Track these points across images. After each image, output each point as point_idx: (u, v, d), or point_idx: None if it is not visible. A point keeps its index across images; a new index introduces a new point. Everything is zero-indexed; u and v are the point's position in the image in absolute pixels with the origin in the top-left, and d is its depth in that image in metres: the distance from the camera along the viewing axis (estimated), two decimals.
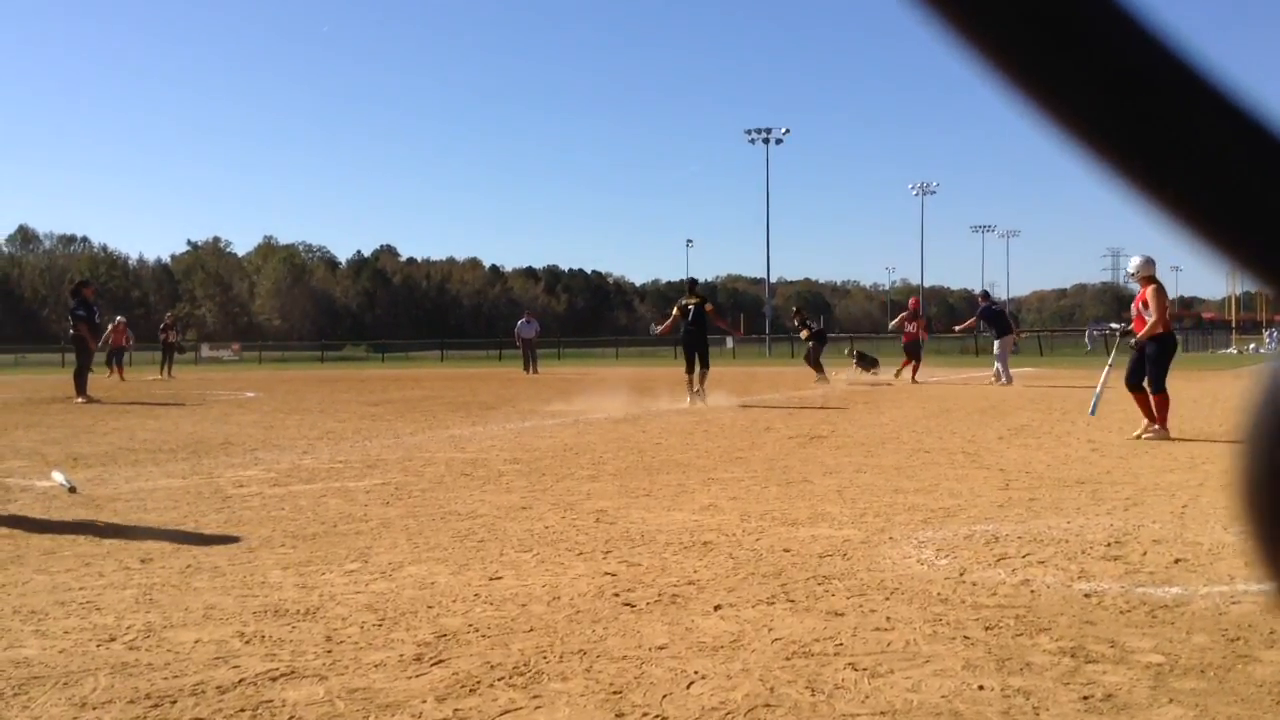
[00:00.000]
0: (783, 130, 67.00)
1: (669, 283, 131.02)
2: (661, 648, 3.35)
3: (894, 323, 23.11)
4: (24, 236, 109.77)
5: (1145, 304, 9.59)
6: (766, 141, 66.65)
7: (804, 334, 22.10)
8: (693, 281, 16.74)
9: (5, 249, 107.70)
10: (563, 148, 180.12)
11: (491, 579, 4.32)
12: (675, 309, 15.75)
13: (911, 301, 23.44)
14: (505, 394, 18.80)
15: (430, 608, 3.88)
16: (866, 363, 23.26)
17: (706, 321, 15.46)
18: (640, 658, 3.25)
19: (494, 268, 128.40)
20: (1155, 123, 0.20)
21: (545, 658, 3.26)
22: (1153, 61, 0.21)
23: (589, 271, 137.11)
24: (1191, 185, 0.20)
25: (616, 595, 4.02)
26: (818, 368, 21.38)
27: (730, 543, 5.02)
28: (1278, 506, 0.19)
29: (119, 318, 29.21)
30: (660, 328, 16.16)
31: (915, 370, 21.23)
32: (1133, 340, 9.77)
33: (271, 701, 2.91)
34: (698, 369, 15.20)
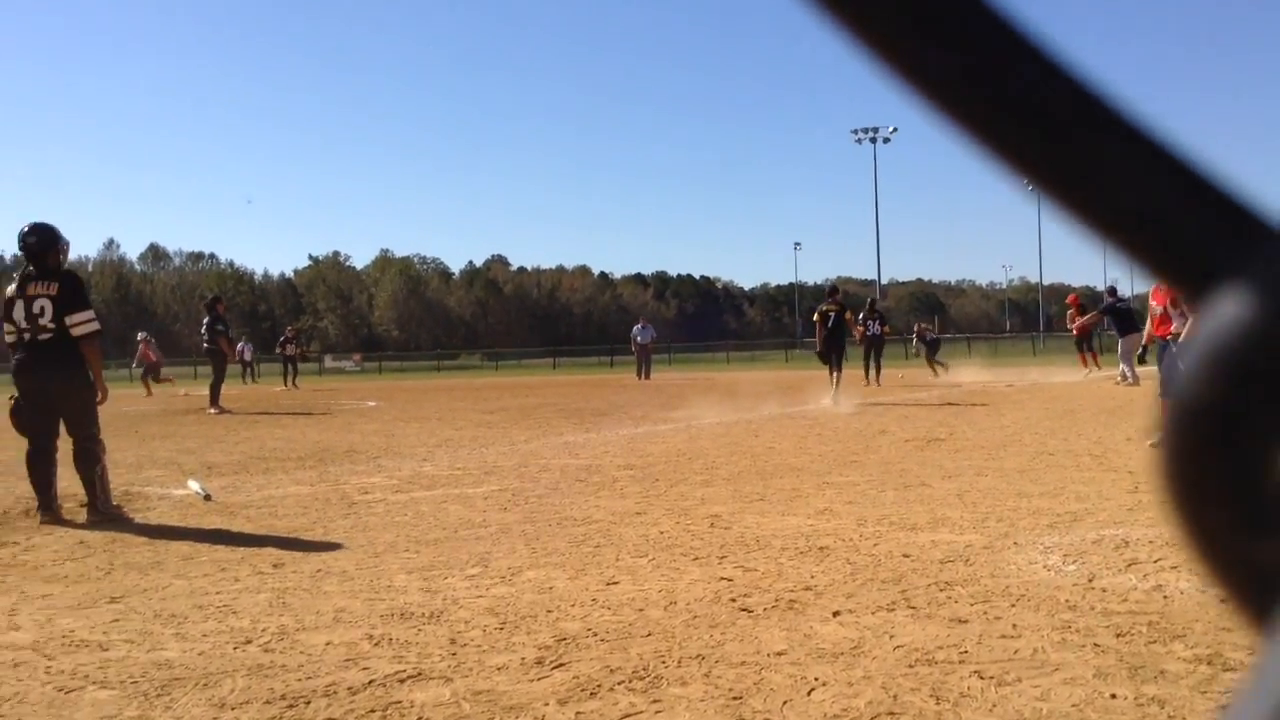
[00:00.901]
0: (890, 129, 66.19)
1: (778, 286, 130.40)
2: (780, 654, 3.34)
3: (1085, 320, 21.77)
4: (155, 254, 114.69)
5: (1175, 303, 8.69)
6: (874, 141, 65.92)
7: (858, 332, 20.57)
8: (833, 288, 17.11)
9: (138, 266, 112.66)
10: (670, 152, 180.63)
11: (608, 584, 4.36)
12: (816, 315, 16.28)
13: (1070, 299, 22.47)
14: (618, 400, 18.93)
15: (549, 612, 3.93)
16: (932, 349, 22.66)
17: (845, 327, 16.00)
18: (759, 663, 3.25)
19: (603, 275, 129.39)
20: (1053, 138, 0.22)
21: (664, 662, 3.28)
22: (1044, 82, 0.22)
23: (697, 276, 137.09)
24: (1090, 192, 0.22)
25: (733, 600, 4.02)
26: (939, 366, 21.16)
27: (847, 548, 4.98)
28: (1196, 492, 0.20)
29: (142, 334, 29.82)
30: (818, 342, 16.34)
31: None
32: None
33: (400, 702, 2.99)
34: (835, 372, 15.60)
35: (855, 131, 67.24)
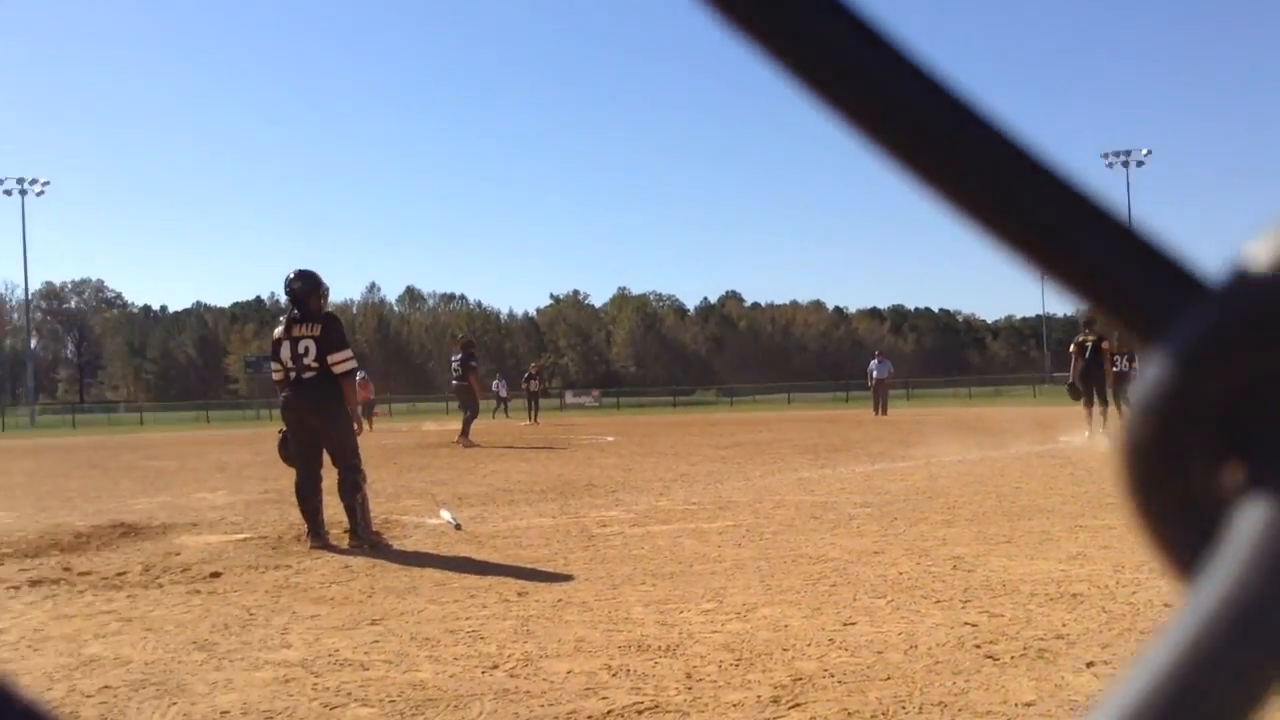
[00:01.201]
0: (1144, 151, 62.71)
1: (1023, 318, 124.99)
2: (1029, 704, 3.19)
3: None
4: (411, 296, 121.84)
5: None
6: (1125, 165, 62.57)
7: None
8: (1090, 319, 16.41)
9: (396, 308, 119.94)
10: (905, 185, 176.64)
11: (845, 624, 4.29)
12: (1073, 346, 15.71)
13: None
14: (854, 436, 18.63)
15: (785, 650, 3.91)
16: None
17: (1102, 358, 15.34)
18: (1006, 714, 3.12)
19: (837, 309, 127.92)
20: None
21: (904, 707, 3.20)
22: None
23: (936, 309, 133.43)
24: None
25: (978, 646, 3.87)
26: None
27: (1103, 595, 4.70)
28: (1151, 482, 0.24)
29: (360, 372, 30.43)
30: (1073, 374, 15.79)
31: None
32: None
33: None
34: (1096, 405, 14.96)
35: (1106, 155, 64.11)
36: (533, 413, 31.53)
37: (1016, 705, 3.19)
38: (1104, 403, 15.12)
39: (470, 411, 18.96)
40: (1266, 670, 0.21)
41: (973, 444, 14.54)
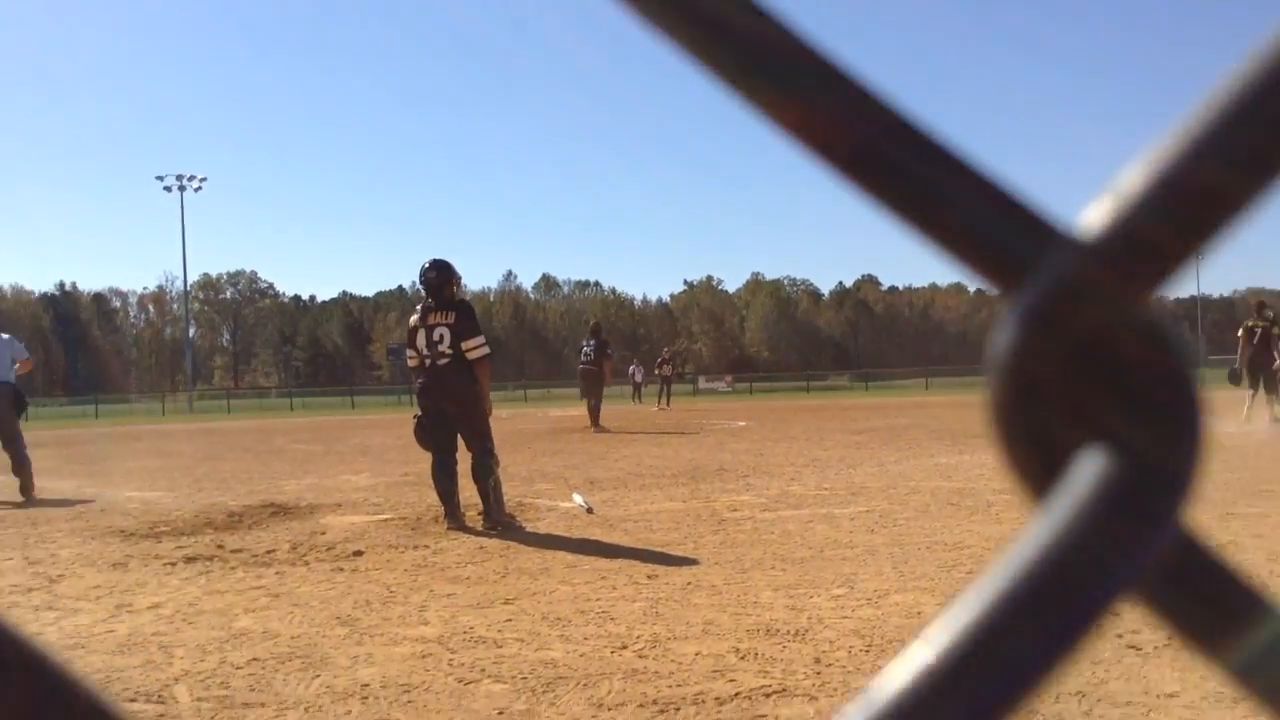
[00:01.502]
0: None
1: (1177, 300, 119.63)
2: (1172, 695, 3.07)
3: None
4: (547, 284, 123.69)
5: None
6: None
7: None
8: (1261, 304, 15.93)
9: (532, 295, 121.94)
10: (1056, 147, 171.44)
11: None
12: (1242, 331, 15.23)
13: None
14: None
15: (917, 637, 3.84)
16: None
17: (1271, 345, 14.81)
18: (1147, 704, 3.01)
19: (979, 291, 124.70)
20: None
21: (1040, 697, 3.11)
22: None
23: None
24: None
25: (1119, 636, 3.74)
26: None
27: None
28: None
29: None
30: (1239, 359, 15.27)
31: None
32: None
33: (765, 716, 3.03)
34: (1260, 391, 14.59)
35: None
36: (665, 398, 31.64)
37: (1158, 696, 3.07)
38: (1269, 390, 14.51)
39: (597, 397, 19.18)
40: (1075, 596, 0.23)
41: None
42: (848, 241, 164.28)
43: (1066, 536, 0.23)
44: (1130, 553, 0.23)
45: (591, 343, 19.43)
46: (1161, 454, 0.24)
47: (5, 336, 10.65)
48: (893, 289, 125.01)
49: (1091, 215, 0.24)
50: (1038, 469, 0.24)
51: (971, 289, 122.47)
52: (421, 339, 7.18)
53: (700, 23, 0.26)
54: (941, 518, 6.75)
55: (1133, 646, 3.60)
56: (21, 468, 9.86)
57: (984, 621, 0.24)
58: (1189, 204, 0.23)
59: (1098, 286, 0.24)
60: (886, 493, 8.13)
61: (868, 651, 3.68)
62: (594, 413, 19.00)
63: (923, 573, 5.01)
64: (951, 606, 0.25)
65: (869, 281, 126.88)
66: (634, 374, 38.86)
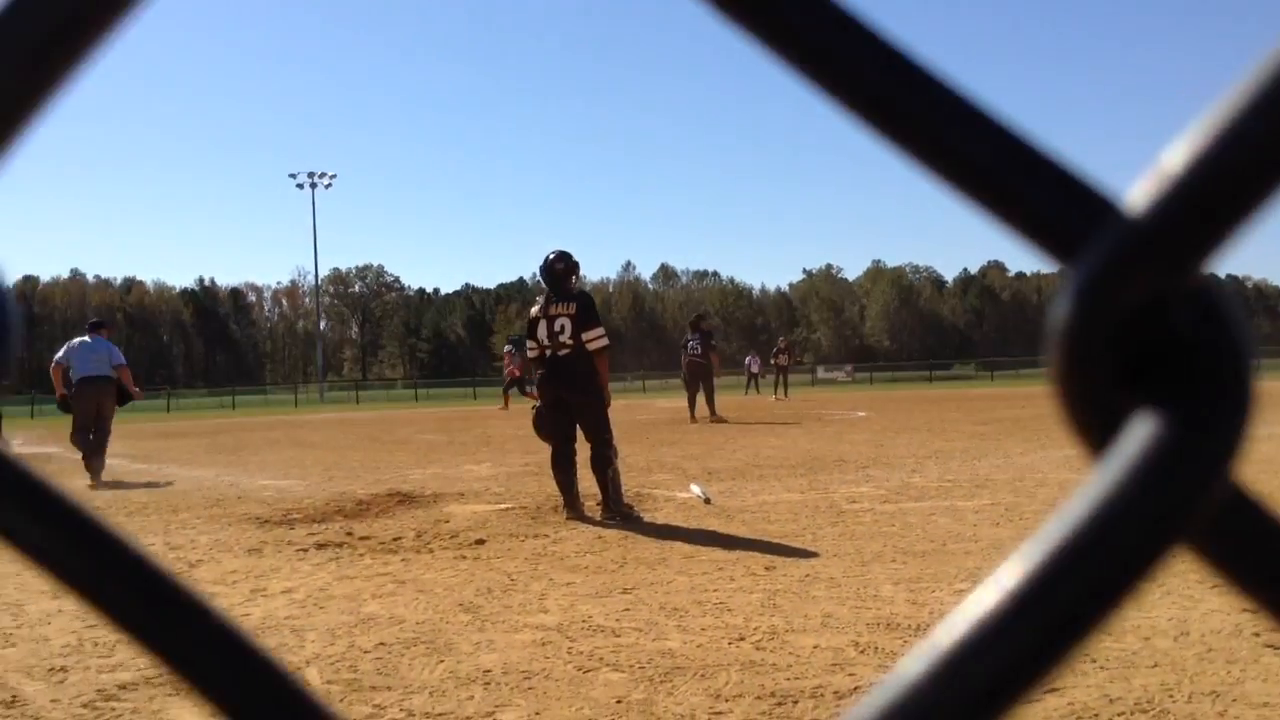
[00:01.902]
0: None
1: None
2: None
3: None
4: (665, 274, 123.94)
5: None
6: None
7: None
8: None
9: (650, 285, 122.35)
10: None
11: None
12: None
13: None
14: None
15: None
16: None
17: None
18: None
19: None
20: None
21: (1171, 696, 3.01)
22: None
23: (1224, 275, 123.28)
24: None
25: (1257, 635, 3.59)
26: None
27: None
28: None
29: (508, 347, 29.41)
30: None
31: None
32: None
33: None
34: None
35: None
36: (782, 387, 31.36)
37: None
38: None
39: (709, 388, 19.21)
40: (1125, 548, 0.25)
41: (1260, 420, 13.40)
42: (973, 227, 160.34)
43: (1117, 492, 0.25)
44: (1178, 507, 0.24)
45: (696, 335, 19.44)
46: (1210, 415, 0.25)
47: (106, 342, 11.63)
48: (1020, 275, 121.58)
49: (1142, 188, 0.25)
50: (1095, 431, 0.26)
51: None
52: (543, 329, 7.28)
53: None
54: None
55: (1271, 645, 3.45)
56: (99, 455, 10.88)
57: (1039, 572, 0.25)
58: (1238, 176, 0.24)
59: (1149, 258, 0.24)
60: (1012, 485, 7.93)
61: None
62: (708, 404, 19.05)
63: None
64: (1012, 556, 0.26)
65: (995, 267, 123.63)
66: (750, 364, 38.63)
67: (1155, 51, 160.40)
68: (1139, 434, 0.25)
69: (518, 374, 27.74)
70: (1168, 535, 0.25)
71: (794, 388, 33.72)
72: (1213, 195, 0.24)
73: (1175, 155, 0.24)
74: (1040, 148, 0.27)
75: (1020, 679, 0.25)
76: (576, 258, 7.53)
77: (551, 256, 7.47)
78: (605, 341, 7.27)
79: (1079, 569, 0.25)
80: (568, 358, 7.17)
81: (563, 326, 7.19)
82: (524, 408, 27.10)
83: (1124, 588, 0.25)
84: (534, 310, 7.47)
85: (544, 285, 7.50)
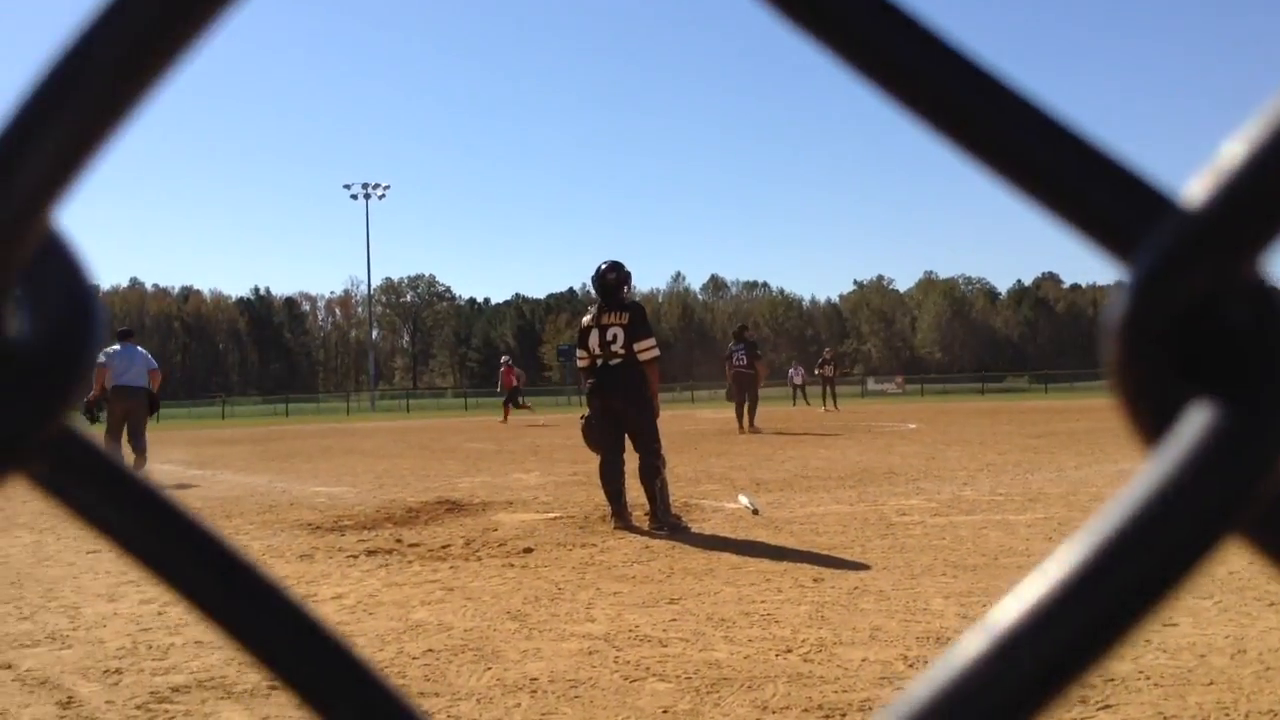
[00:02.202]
0: None
1: None
2: None
3: None
4: (715, 285, 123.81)
5: None
6: None
7: None
8: None
9: (700, 296, 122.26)
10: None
11: (1165, 624, 3.99)
12: None
13: None
14: None
15: None
16: None
17: None
18: None
19: None
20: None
21: (1227, 714, 2.94)
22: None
23: None
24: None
25: None
26: None
27: None
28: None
29: (504, 358, 29.61)
30: None
31: None
32: None
33: None
34: None
35: None
36: (829, 398, 31.14)
37: None
38: None
39: (754, 399, 19.18)
40: (1177, 537, 0.25)
41: None
42: (1027, 238, 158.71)
43: (1172, 480, 0.25)
44: (1231, 495, 0.25)
45: (740, 346, 19.40)
46: (1265, 405, 0.25)
47: (141, 350, 11.83)
48: (1075, 287, 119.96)
49: (1199, 184, 0.25)
50: (1151, 423, 0.26)
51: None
52: (594, 339, 7.29)
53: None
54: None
55: None
56: (140, 466, 10.98)
57: (1091, 560, 0.25)
58: None
59: (1205, 253, 0.25)
60: (1066, 499, 7.81)
61: None
62: (751, 414, 19.03)
63: None
64: (1066, 543, 0.26)
65: (1050, 279, 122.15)
66: (793, 376, 38.46)
67: (1212, 49, 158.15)
68: (1194, 424, 0.25)
69: (514, 385, 28.07)
70: (1221, 522, 0.25)
71: (843, 399, 33.50)
72: (1268, 190, 0.24)
73: (1232, 150, 0.25)
74: (1097, 144, 0.27)
75: (1075, 662, 0.25)
76: (628, 268, 7.56)
77: (604, 266, 7.49)
78: (656, 352, 7.27)
79: (1134, 554, 0.25)
80: (619, 367, 7.18)
81: (615, 335, 7.20)
82: (525, 421, 26.99)
83: (1178, 574, 0.25)
84: (586, 319, 7.49)
85: (595, 295, 7.53)
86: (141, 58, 0.24)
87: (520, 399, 28.17)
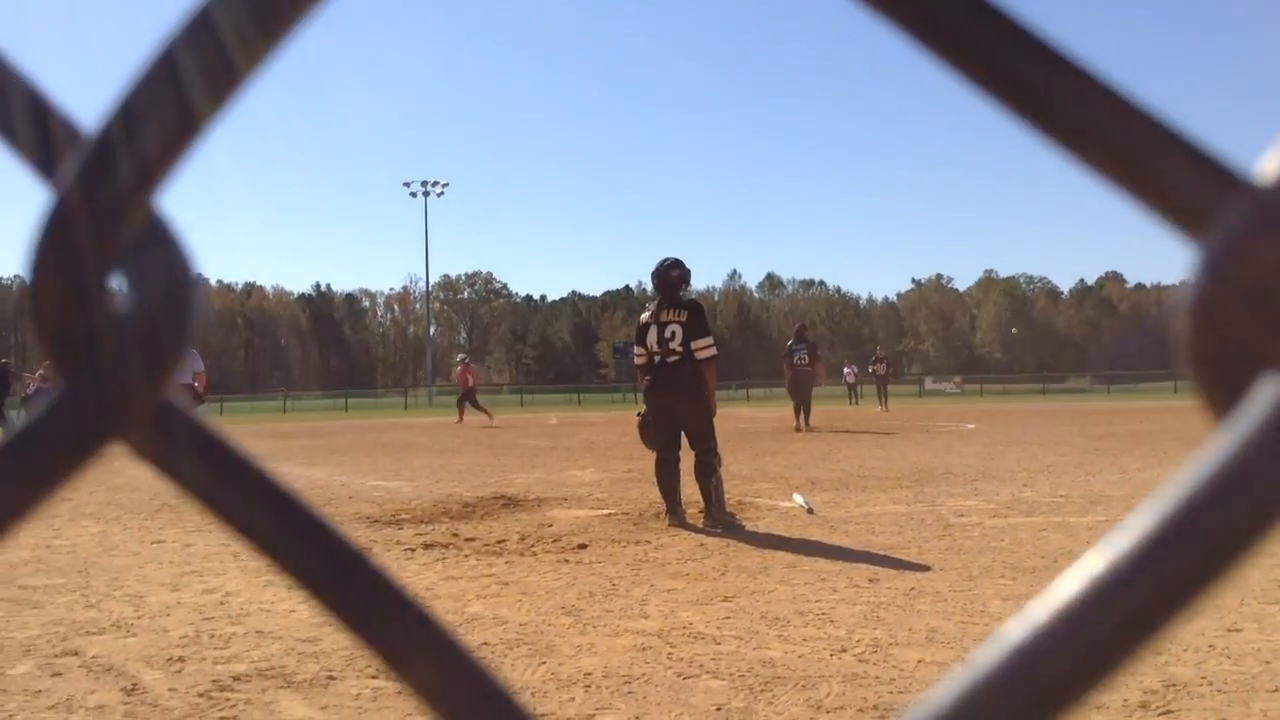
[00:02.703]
0: None
1: None
2: None
3: None
4: (771, 283, 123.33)
5: None
6: None
7: None
8: None
9: (756, 294, 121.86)
10: None
11: (1229, 630, 3.91)
12: None
13: None
14: None
15: (1158, 654, 3.62)
16: None
17: None
18: None
19: None
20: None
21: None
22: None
23: None
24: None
25: None
26: None
27: None
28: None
29: (461, 356, 28.38)
30: None
31: None
32: None
33: None
34: None
35: None
36: (882, 397, 30.78)
37: None
38: None
39: (809, 398, 19.15)
40: (1247, 512, 0.25)
41: None
42: (1090, 237, 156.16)
43: (1240, 454, 0.25)
44: None
45: (802, 345, 19.33)
46: None
47: (192, 351, 12.18)
48: (1139, 286, 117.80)
49: (1271, 159, 0.26)
50: (1223, 399, 0.27)
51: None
52: (653, 335, 7.29)
53: None
54: None
55: None
56: None
57: (1155, 533, 0.26)
58: None
59: (1276, 230, 0.25)
60: (1128, 502, 7.68)
61: None
62: (806, 413, 18.98)
63: None
64: (1130, 516, 0.27)
65: (1113, 278, 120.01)
66: (847, 375, 38.14)
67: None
68: (1262, 400, 0.26)
69: (471, 385, 27.48)
70: None
71: (901, 399, 33.19)
72: None
73: None
74: (1168, 121, 0.27)
75: (1136, 634, 0.26)
76: (688, 267, 7.55)
77: (667, 263, 7.48)
78: (714, 351, 7.26)
79: (1195, 528, 0.25)
80: (676, 365, 7.18)
81: (673, 333, 7.19)
82: (480, 424, 26.27)
83: (1237, 554, 0.26)
84: (644, 316, 7.49)
85: (654, 291, 7.52)
86: (238, 52, 0.25)
87: (476, 400, 27.47)
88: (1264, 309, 0.26)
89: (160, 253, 0.27)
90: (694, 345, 7.15)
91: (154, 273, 0.26)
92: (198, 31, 0.25)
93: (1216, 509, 0.25)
